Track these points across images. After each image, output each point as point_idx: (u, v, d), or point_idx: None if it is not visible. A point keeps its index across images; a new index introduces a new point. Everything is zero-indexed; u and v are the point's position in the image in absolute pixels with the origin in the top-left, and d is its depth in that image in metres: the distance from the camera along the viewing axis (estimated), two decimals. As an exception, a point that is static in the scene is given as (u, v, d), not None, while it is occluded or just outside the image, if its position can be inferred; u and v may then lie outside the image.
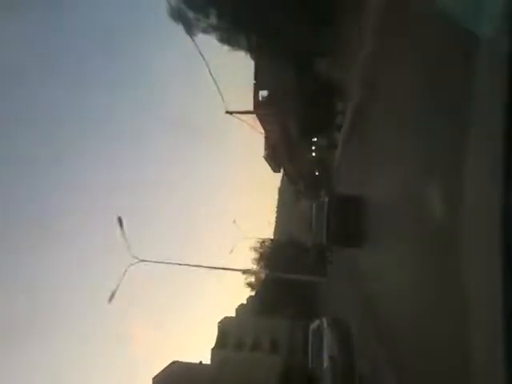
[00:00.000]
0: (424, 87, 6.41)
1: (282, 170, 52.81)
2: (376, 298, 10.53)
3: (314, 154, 35.38)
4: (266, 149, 42.28)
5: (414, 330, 6.71)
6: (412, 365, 6.75)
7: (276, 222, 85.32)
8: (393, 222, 8.76)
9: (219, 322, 50.86)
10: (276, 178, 77.43)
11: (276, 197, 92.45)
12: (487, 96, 2.11)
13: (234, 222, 32.67)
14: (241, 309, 54.64)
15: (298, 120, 24.70)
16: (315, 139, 31.18)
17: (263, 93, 30.89)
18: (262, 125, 35.04)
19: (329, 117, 22.15)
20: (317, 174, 37.87)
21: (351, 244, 14.08)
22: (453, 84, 4.90)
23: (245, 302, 57.88)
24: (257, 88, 30.67)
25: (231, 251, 32.96)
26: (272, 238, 47.00)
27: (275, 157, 42.58)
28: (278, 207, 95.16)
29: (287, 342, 44.28)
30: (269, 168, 50.67)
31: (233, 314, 54.75)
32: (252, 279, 44.58)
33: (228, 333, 48.91)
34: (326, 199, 16.65)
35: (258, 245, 45.60)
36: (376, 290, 10.77)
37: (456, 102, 4.44)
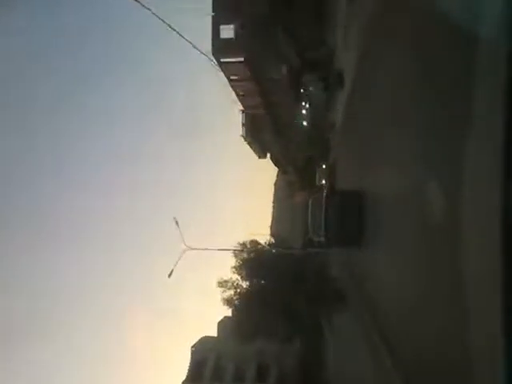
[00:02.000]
0: (424, 87, 6.35)
1: (268, 155, 42.95)
2: (377, 298, 10.48)
3: (305, 123, 25.50)
4: (244, 124, 32.51)
5: (415, 327, 6.74)
6: (413, 359, 6.80)
7: (272, 220, 79.17)
8: (393, 220, 8.62)
9: (193, 346, 41.39)
10: (265, 167, 67.60)
11: (266, 191, 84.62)
12: (487, 96, 2.27)
13: (176, 221, 21.78)
14: (224, 324, 44.69)
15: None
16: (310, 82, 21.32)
17: (227, 31, 21.00)
18: (233, 85, 25.13)
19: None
20: (311, 151, 28.16)
21: (351, 243, 13.49)
22: (453, 83, 4.74)
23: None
24: (216, 21, 20.83)
25: (170, 274, 21.54)
26: (255, 239, 37.02)
27: (257, 133, 32.77)
28: (274, 203, 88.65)
29: (277, 370, 35.23)
30: (252, 153, 40.93)
31: (214, 330, 45.05)
32: (231, 292, 34.87)
33: (204, 360, 39.44)
34: (324, 194, 15.49)
35: (239, 248, 35.86)
36: (377, 289, 10.66)
37: (456, 101, 4.25)
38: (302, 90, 22.88)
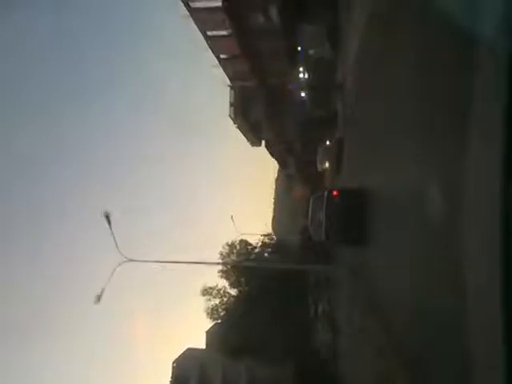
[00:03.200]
0: (424, 86, 6.43)
1: (263, 143, 37.50)
2: (379, 297, 10.52)
3: (303, 94, 20.22)
4: (232, 103, 27.23)
5: (416, 324, 6.95)
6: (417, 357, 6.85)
7: (272, 219, 75.46)
8: (394, 219, 8.69)
9: (174, 362, 36.27)
10: (263, 159, 62.20)
11: (263, 186, 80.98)
12: (487, 96, 2.25)
13: (107, 218, 16.17)
14: (214, 332, 39.51)
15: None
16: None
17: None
18: (212, 45, 19.84)
19: None
20: (311, 132, 22.95)
21: (353, 242, 13.11)
22: (453, 83, 4.95)
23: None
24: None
25: (99, 298, 15.78)
26: (245, 240, 31.76)
27: (248, 114, 27.44)
28: (275, 200, 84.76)
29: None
30: (244, 141, 35.60)
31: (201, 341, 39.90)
32: (216, 301, 29.83)
33: (187, 378, 34.51)
34: (325, 193, 14.51)
35: (227, 249, 30.81)
36: (379, 288, 10.71)
37: (456, 101, 4.34)
38: (299, 49, 17.78)
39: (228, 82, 25.10)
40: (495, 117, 1.97)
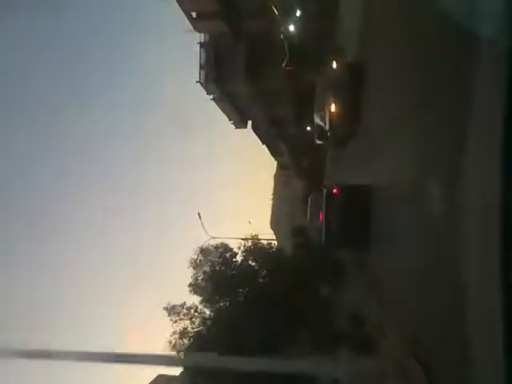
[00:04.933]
0: (424, 86, 6.45)
1: (250, 123, 30.67)
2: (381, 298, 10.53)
3: (292, 29, 13.73)
4: (202, 66, 20.53)
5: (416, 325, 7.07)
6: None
7: (271, 217, 70.62)
8: (395, 220, 8.71)
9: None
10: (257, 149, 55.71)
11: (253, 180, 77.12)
12: (487, 96, 2.23)
13: None
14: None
15: None
16: None
17: None
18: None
19: None
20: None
21: (356, 245, 13.08)
22: (453, 83, 4.96)
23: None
24: None
25: None
26: (224, 243, 25.04)
27: (225, 80, 20.65)
28: (273, 196, 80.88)
29: None
30: (223, 117, 28.76)
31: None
32: (185, 323, 23.20)
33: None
34: (324, 191, 14.10)
35: (200, 255, 24.21)
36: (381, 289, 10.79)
37: (456, 101, 4.43)
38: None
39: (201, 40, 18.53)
40: (495, 116, 1.96)
